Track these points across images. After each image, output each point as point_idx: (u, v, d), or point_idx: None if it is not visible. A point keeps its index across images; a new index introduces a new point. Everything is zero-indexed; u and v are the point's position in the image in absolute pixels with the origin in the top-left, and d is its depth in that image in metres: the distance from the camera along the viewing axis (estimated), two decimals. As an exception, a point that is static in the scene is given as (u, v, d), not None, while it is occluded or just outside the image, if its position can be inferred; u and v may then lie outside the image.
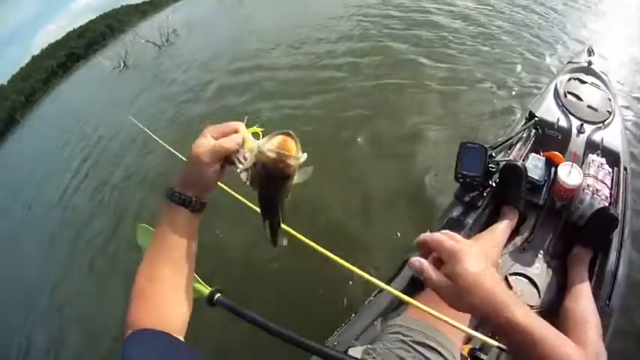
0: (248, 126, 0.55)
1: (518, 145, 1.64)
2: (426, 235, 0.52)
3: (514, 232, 1.38)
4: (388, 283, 1.25)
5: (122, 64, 13.90)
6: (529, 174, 1.43)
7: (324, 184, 2.56)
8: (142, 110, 7.00)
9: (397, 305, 1.21)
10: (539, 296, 1.22)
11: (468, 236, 1.31)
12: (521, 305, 0.47)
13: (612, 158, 1.53)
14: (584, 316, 1.05)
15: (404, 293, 1.24)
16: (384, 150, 2.95)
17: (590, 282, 1.18)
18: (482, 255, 0.50)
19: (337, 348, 1.11)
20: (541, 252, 1.35)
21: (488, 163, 1.35)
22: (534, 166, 1.51)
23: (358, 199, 2.54)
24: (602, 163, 1.44)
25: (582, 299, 1.11)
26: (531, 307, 1.16)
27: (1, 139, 24.28)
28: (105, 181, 4.90)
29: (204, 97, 5.81)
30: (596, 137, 1.61)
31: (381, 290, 1.23)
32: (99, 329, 2.53)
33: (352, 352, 0.88)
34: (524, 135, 1.68)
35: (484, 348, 1.02)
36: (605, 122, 1.70)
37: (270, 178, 0.50)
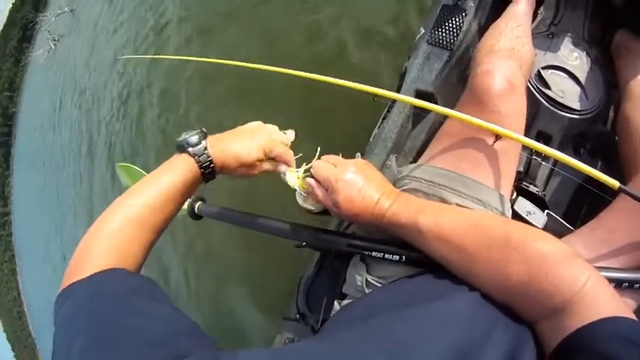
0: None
1: None
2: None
3: (534, 15, 1.06)
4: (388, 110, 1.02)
5: (52, 46, 12.70)
6: None
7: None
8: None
9: (408, 134, 0.99)
10: (586, 96, 0.93)
11: (478, 25, 1.00)
12: (414, 208, 0.50)
13: None
14: None
15: (415, 109, 0.98)
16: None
17: None
18: (359, 172, 0.54)
19: None
20: (573, 37, 1.02)
21: None
22: None
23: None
24: None
25: None
26: (576, 111, 0.91)
27: (10, 135, 23.97)
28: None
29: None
30: None
31: (385, 118, 0.99)
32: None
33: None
34: None
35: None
36: None
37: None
